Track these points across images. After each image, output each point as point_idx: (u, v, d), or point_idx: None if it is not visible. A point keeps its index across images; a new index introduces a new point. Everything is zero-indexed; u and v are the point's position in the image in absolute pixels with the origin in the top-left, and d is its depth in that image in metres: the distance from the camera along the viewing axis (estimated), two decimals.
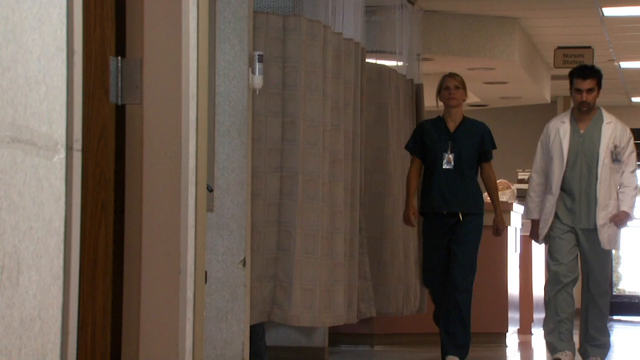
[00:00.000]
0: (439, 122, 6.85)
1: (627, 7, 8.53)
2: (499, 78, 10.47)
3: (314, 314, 5.86)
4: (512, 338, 8.62)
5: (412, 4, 7.90)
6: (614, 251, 15.63)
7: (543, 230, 6.73)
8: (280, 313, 5.74)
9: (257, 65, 5.45)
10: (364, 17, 6.90)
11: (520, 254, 9.08)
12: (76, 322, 2.43)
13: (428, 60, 9.26)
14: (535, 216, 6.79)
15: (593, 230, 6.59)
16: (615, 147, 6.58)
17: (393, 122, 7.23)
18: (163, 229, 2.99)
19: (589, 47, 9.86)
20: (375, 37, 7.58)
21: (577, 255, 6.69)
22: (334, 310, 6.06)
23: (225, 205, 5.45)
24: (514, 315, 8.71)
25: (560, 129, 6.65)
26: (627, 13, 8.69)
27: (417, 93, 7.78)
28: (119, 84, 2.99)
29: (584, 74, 6.57)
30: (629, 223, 6.72)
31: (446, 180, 6.70)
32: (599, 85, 6.61)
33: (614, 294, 14.65)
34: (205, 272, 4.78)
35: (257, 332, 6.05)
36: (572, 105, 6.85)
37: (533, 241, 7.07)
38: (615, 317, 13.38)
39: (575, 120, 6.65)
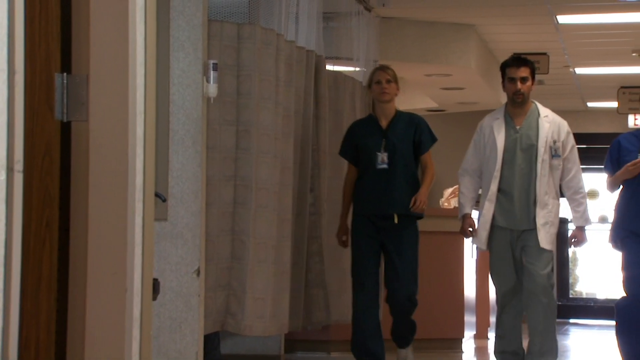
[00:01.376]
0: (370, 120, 6.42)
1: (581, 15, 8.62)
2: (455, 84, 10.52)
3: (265, 323, 5.87)
4: (468, 343, 8.66)
5: (369, 10, 7.93)
6: (571, 253, 15.99)
7: (482, 235, 6.21)
8: (233, 323, 5.74)
9: (212, 74, 5.44)
10: (320, 24, 6.91)
11: (477, 258, 9.13)
12: (17, 342, 2.41)
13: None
14: (467, 210, 6.33)
15: (533, 231, 6.14)
16: (555, 141, 6.17)
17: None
18: (109, 247, 2.97)
19: (545, 54, 9.94)
20: (332, 43, 7.59)
21: (514, 272, 6.20)
22: (279, 318, 6.06)
23: (179, 214, 5.43)
24: (470, 320, 8.75)
25: (495, 125, 6.21)
26: (581, 21, 8.77)
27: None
28: (65, 101, 2.96)
29: (517, 62, 6.19)
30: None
31: (380, 180, 6.23)
32: (532, 75, 6.17)
33: (570, 296, 14.78)
34: (159, 282, 4.75)
35: (212, 341, 6.03)
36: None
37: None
38: (571, 321, 13.49)
39: (509, 115, 6.21)
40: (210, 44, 5.66)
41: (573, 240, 6.30)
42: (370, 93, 6.44)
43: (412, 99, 11.60)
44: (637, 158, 5.96)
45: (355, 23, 7.60)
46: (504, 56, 10.19)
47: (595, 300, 14.29)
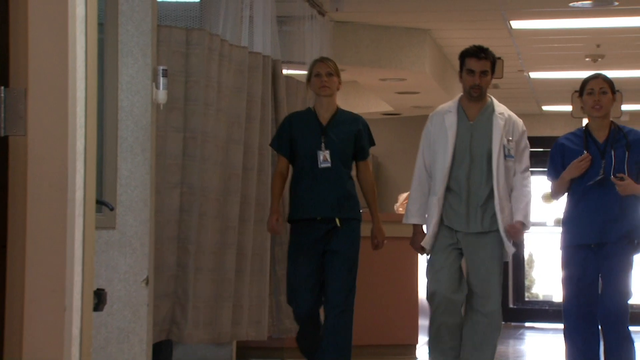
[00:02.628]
0: (309, 114, 5.93)
1: (533, 20, 8.66)
2: (410, 88, 10.52)
3: (205, 331, 5.82)
4: (422, 349, 8.66)
5: (323, 15, 7.89)
6: (527, 256, 16.07)
7: (428, 239, 5.73)
8: (177, 331, 5.70)
9: (161, 80, 5.37)
10: (275, 28, 6.86)
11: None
12: None
13: (340, 71, 9.24)
14: (415, 220, 5.79)
15: (483, 235, 5.69)
16: (508, 140, 5.70)
17: None
18: (48, 263, 2.91)
19: (499, 58, 9.90)
20: (285, 47, 7.55)
21: (461, 275, 5.76)
22: (223, 327, 6.02)
23: (127, 223, 5.35)
24: (424, 325, 8.75)
25: (446, 118, 5.71)
26: (535, 26, 8.82)
27: None
28: (2, 115, 2.89)
29: (478, 54, 5.68)
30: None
31: (320, 180, 5.78)
32: (492, 69, 5.73)
33: (526, 299, 14.84)
34: (106, 293, 4.68)
35: (164, 350, 5.97)
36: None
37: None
38: (527, 324, 13.54)
39: (463, 109, 5.72)
40: (159, 50, 5.60)
41: (509, 228, 5.69)
42: (310, 87, 5.99)
43: (367, 103, 11.59)
44: (583, 155, 5.71)
45: (309, 27, 7.57)
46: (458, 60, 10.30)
47: (550, 303, 14.35)
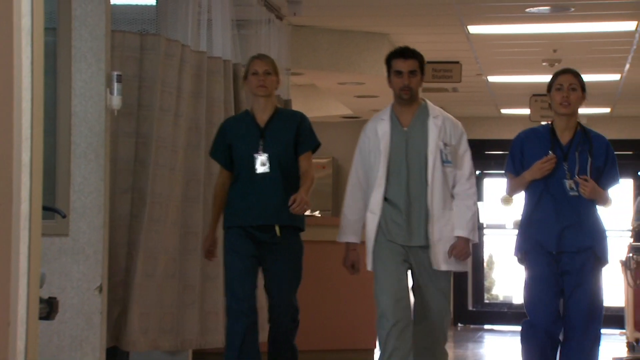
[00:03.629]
0: (247, 117, 5.52)
1: (491, 26, 8.70)
2: (369, 92, 10.53)
3: (150, 338, 5.78)
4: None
5: (281, 19, 7.87)
6: (487, 257, 16.14)
7: (369, 256, 5.32)
8: (122, 338, 5.65)
9: (115, 86, 5.34)
10: (234, 32, 6.82)
11: None
12: None
13: (298, 74, 9.25)
14: (350, 238, 5.41)
15: (426, 249, 5.30)
16: (445, 145, 5.31)
17: None
18: None
19: (457, 62, 10.01)
20: (243, 51, 7.52)
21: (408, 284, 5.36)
22: (177, 334, 5.98)
23: (81, 229, 5.31)
24: None
25: (379, 127, 5.35)
26: (492, 31, 8.86)
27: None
28: None
29: (404, 53, 5.35)
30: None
31: (258, 186, 5.36)
32: (421, 70, 5.36)
33: (485, 301, 14.89)
34: (57, 301, 4.62)
35: (119, 357, 5.92)
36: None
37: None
38: (486, 327, 13.59)
39: (396, 115, 5.37)
40: (113, 55, 5.56)
41: (452, 250, 5.28)
42: (246, 86, 5.58)
43: (326, 106, 11.59)
44: (547, 155, 5.32)
45: (266, 31, 7.54)
46: None
47: (510, 305, 14.40)
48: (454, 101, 12.74)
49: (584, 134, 5.38)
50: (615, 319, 12.05)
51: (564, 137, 5.36)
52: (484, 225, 14.43)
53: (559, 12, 8.07)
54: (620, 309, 11.08)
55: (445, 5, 8.04)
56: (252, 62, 5.51)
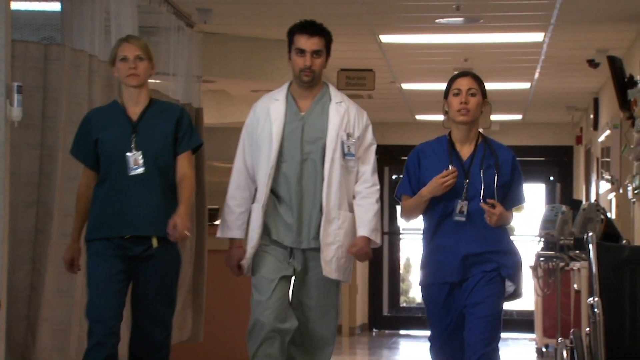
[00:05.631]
0: (115, 109, 4.82)
1: (402, 35, 8.76)
2: None
3: (65, 355, 5.67)
4: None
5: (191, 26, 7.80)
6: (404, 259, 16.22)
7: (250, 257, 4.74)
8: (29, 355, 5.53)
9: (16, 97, 5.21)
10: None
11: None
12: None
13: (209, 82, 9.20)
14: (232, 233, 4.80)
15: (317, 252, 4.72)
16: (348, 135, 4.71)
17: None
18: None
19: (370, 70, 10.05)
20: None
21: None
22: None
23: None
24: None
25: (272, 109, 4.72)
26: (403, 40, 8.92)
27: (196, 117, 7.68)
28: None
29: (309, 29, 4.74)
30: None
31: (130, 190, 4.69)
32: (327, 50, 4.80)
33: (401, 305, 14.95)
34: None
35: None
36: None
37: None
38: (401, 332, 13.64)
39: (293, 97, 4.76)
40: (14, 65, 5.44)
41: (352, 248, 4.74)
42: (115, 73, 4.87)
43: (241, 112, 11.53)
44: (448, 170, 4.62)
45: (176, 38, 7.47)
46: (331, 72, 10.36)
47: (425, 310, 14.42)
48: (369, 107, 12.65)
49: (486, 147, 4.68)
50: (525, 323, 12.22)
51: (464, 151, 4.68)
52: (400, 230, 14.54)
53: (469, 23, 8.16)
54: (531, 313, 11.23)
55: (356, 15, 8.06)
56: (120, 46, 4.82)
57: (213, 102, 10.80)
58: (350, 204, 4.78)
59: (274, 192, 4.74)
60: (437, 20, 8.10)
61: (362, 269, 13.18)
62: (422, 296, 4.84)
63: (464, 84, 4.65)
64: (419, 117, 13.48)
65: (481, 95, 4.67)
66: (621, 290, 3.88)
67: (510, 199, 4.72)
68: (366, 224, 4.75)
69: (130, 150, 4.73)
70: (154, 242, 4.70)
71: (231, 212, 4.81)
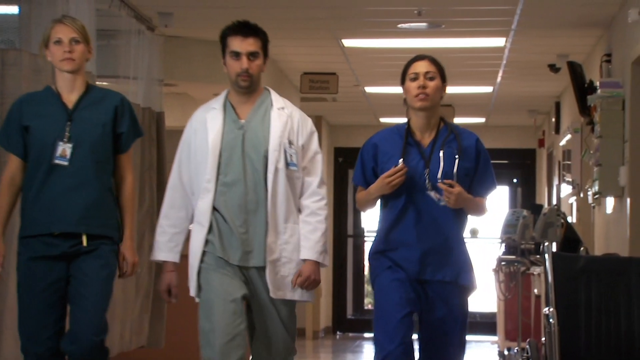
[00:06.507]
0: (49, 96, 4.49)
1: (364, 40, 8.78)
2: None
3: None
4: None
5: (152, 30, 7.77)
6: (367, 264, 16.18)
7: (191, 275, 4.36)
8: None
9: None
10: (100, 44, 6.68)
11: None
12: None
13: (171, 86, 9.16)
14: (166, 256, 4.42)
15: (263, 270, 4.36)
16: (291, 143, 4.39)
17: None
18: None
19: (334, 74, 10.06)
20: (112, 62, 7.40)
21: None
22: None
23: None
24: None
25: (209, 118, 4.39)
26: (366, 45, 8.93)
27: (157, 121, 7.64)
28: None
29: (243, 30, 4.40)
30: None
31: (62, 182, 4.37)
32: (264, 52, 4.44)
33: (366, 308, 14.95)
34: None
35: None
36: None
37: None
38: (366, 335, 13.64)
39: (232, 105, 4.43)
40: None
41: (298, 277, 4.38)
42: (48, 56, 4.52)
43: None
44: (396, 166, 4.31)
45: (136, 42, 7.43)
46: (295, 76, 10.35)
47: None
48: (333, 110, 12.83)
49: (449, 132, 4.39)
50: (488, 326, 12.27)
51: (425, 139, 4.40)
52: (365, 232, 14.54)
53: (431, 28, 8.18)
54: (494, 315, 11.27)
55: (318, 19, 8.06)
56: (54, 28, 4.45)
57: (176, 104, 10.75)
58: (298, 215, 4.44)
59: (215, 208, 4.37)
60: (399, 25, 8.12)
61: (326, 272, 13.18)
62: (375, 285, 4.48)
63: (421, 67, 4.40)
64: (383, 119, 13.51)
65: (440, 79, 4.40)
66: (576, 300, 3.89)
67: (479, 184, 4.43)
68: (314, 246, 4.40)
69: (62, 140, 4.38)
70: (84, 240, 4.36)
71: (163, 232, 4.45)
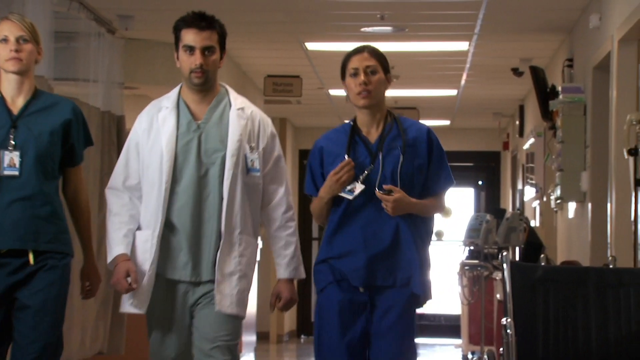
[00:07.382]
0: None
1: (327, 43, 8.76)
2: None
3: None
4: None
5: (113, 32, 7.68)
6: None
7: (142, 289, 4.02)
8: None
9: None
10: (51, 46, 6.55)
11: None
12: None
13: (132, 89, 9.07)
14: (124, 248, 4.03)
15: (211, 284, 4.01)
16: (252, 148, 4.06)
17: (91, 162, 6.84)
18: None
19: (298, 77, 10.03)
20: (71, 64, 7.30)
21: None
22: None
23: None
24: None
25: (161, 118, 4.03)
26: (329, 48, 8.91)
27: (118, 124, 7.54)
28: None
29: (198, 23, 3.99)
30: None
31: (6, 195, 3.98)
32: (222, 46, 4.08)
33: None
34: None
35: None
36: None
37: None
38: None
39: (186, 103, 4.06)
40: None
41: (276, 300, 4.15)
42: None
43: None
44: (342, 162, 4.02)
45: (96, 45, 7.34)
46: (259, 78, 10.30)
47: None
48: (298, 112, 12.81)
49: (395, 127, 4.05)
50: (452, 329, 12.27)
51: (372, 135, 4.06)
52: None
53: (394, 32, 8.17)
54: (458, 318, 11.28)
55: (282, 23, 8.03)
56: None
57: (139, 107, 10.58)
58: (255, 228, 4.11)
59: (165, 216, 4.01)
60: (362, 29, 8.09)
61: None
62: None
63: (360, 61, 4.03)
64: (347, 121, 13.49)
65: (382, 72, 4.03)
66: (534, 310, 3.86)
67: (433, 181, 4.07)
68: (289, 263, 4.13)
69: (7, 148, 4.00)
70: (31, 258, 3.97)
71: (118, 228, 4.05)
